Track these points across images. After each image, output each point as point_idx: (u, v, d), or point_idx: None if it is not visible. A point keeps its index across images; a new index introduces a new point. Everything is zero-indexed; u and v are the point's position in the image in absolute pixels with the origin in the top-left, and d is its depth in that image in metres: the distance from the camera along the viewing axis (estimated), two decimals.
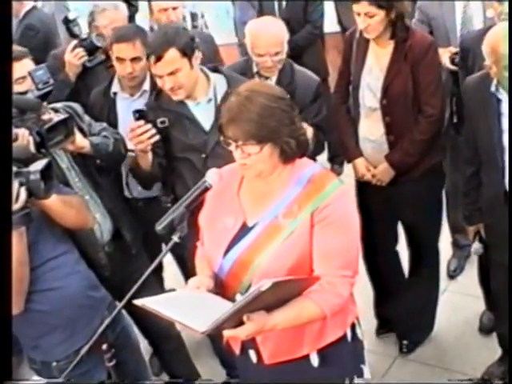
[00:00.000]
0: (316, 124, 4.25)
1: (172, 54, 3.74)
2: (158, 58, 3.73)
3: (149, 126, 3.73)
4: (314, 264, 2.91)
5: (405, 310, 4.64)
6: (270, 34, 4.28)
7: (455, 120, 4.71)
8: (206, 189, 3.00)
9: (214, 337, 4.34)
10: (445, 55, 4.85)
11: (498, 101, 3.72)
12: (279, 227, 2.95)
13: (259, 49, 4.28)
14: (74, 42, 5.00)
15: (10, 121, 3.16)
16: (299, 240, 2.91)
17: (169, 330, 4.44)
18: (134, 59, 4.49)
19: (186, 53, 3.79)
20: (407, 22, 4.31)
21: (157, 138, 3.80)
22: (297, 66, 4.55)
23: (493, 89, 3.71)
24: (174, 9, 5.39)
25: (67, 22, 6.62)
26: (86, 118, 4.08)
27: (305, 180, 2.97)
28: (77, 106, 4.07)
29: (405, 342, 4.90)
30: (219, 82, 3.99)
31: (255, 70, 4.46)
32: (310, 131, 3.85)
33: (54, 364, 3.44)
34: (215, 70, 4.08)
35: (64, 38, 9.21)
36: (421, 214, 4.54)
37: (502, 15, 4.30)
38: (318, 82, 4.53)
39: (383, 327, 5.12)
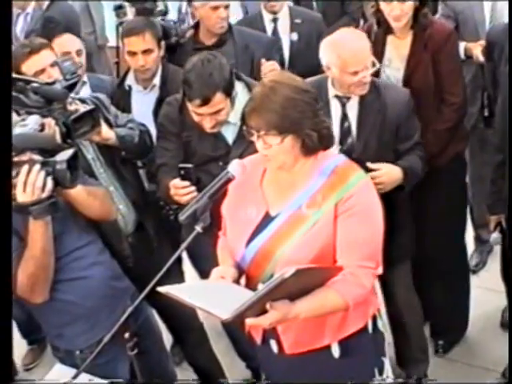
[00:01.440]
0: (418, 142, 3.95)
1: (219, 97, 3.70)
2: (205, 102, 3.69)
3: (192, 188, 3.66)
4: (337, 255, 2.92)
5: (438, 308, 4.60)
6: (359, 46, 3.71)
7: (486, 113, 4.67)
8: (229, 180, 3.00)
9: (233, 330, 4.45)
10: (476, 49, 4.84)
11: None
12: (302, 217, 2.96)
13: (353, 66, 3.66)
14: None
15: (10, 121, 3.17)
16: (323, 230, 2.92)
17: (192, 322, 4.48)
18: (146, 51, 4.55)
19: (230, 92, 3.77)
20: (426, 10, 4.28)
21: (195, 194, 3.64)
22: (380, 80, 4.04)
23: None
24: None
25: (117, 8, 6.84)
26: (113, 109, 4.11)
27: (329, 171, 2.98)
28: (103, 97, 4.10)
29: (440, 342, 4.88)
30: (241, 91, 3.93)
31: (333, 93, 3.87)
32: (416, 160, 3.83)
33: (78, 353, 3.47)
34: (237, 77, 4.00)
35: (85, 30, 9.35)
36: (445, 203, 4.45)
37: None
38: (408, 94, 3.96)
39: None
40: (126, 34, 4.64)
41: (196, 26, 5.11)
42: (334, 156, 3.09)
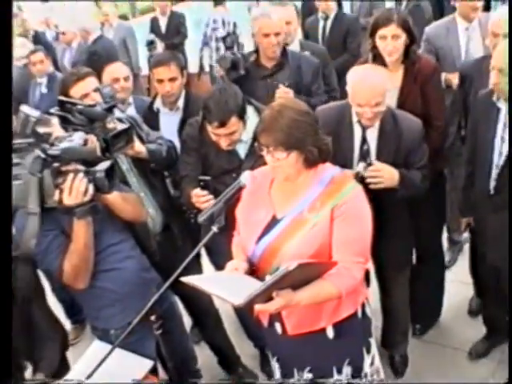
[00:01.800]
0: (423, 166, 3.83)
1: (233, 120, 3.70)
2: (222, 125, 3.69)
3: (210, 196, 3.63)
4: (333, 251, 2.95)
5: (417, 297, 4.55)
6: (370, 85, 3.56)
7: (463, 133, 4.62)
8: (241, 188, 3.03)
9: (243, 315, 4.45)
10: (454, 79, 4.84)
11: (498, 110, 3.70)
12: (304, 220, 2.98)
13: (359, 99, 3.59)
14: None
15: (10, 122, 3.16)
16: (321, 231, 2.94)
17: (209, 308, 4.50)
18: (171, 79, 4.52)
19: (243, 116, 3.77)
20: (415, 47, 4.27)
21: (213, 201, 3.51)
22: (397, 111, 3.87)
23: (494, 99, 3.70)
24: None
25: (149, 43, 6.74)
26: (145, 127, 4.12)
27: (326, 181, 3.01)
28: (137, 117, 4.14)
29: (417, 326, 4.84)
30: (251, 114, 3.91)
31: (355, 118, 3.74)
32: (417, 176, 3.77)
33: (112, 332, 3.45)
34: (248, 102, 3.97)
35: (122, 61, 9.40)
36: (427, 211, 4.38)
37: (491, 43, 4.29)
38: (421, 124, 3.81)
39: None
40: (154, 65, 4.64)
41: (257, 51, 5.04)
42: (331, 168, 3.09)
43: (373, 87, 3.54)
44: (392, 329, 4.50)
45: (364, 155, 3.72)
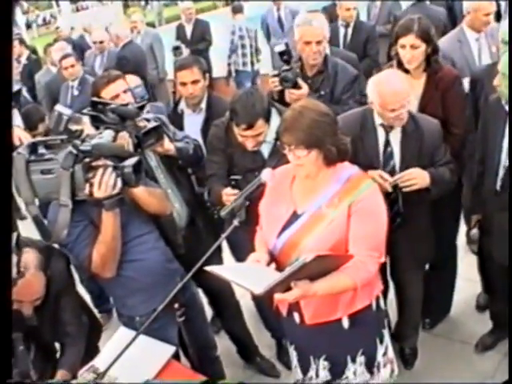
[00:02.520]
0: (449, 161, 3.80)
1: (260, 123, 3.68)
2: (249, 127, 3.67)
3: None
4: (349, 246, 2.95)
5: (429, 295, 4.49)
6: (398, 88, 3.52)
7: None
8: (261, 184, 3.07)
9: (261, 307, 4.45)
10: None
11: (506, 113, 3.69)
12: (323, 216, 2.99)
13: (391, 104, 3.52)
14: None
15: (10, 122, 3.17)
16: (338, 226, 2.95)
17: (229, 299, 4.50)
18: (194, 82, 4.51)
19: (268, 118, 3.76)
20: (437, 57, 4.22)
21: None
22: (416, 113, 3.85)
23: (503, 102, 3.69)
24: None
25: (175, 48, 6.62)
26: (171, 127, 4.12)
27: (344, 179, 3.02)
28: (163, 117, 4.12)
29: (427, 320, 4.78)
30: (273, 116, 3.85)
31: (379, 121, 3.70)
32: (446, 172, 3.74)
33: (137, 319, 3.46)
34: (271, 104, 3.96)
35: (149, 66, 9.46)
36: (446, 213, 4.30)
37: (501, 50, 4.30)
38: (439, 123, 3.79)
39: None
40: (178, 69, 4.64)
41: (300, 59, 4.84)
42: (349, 167, 3.09)
43: (402, 90, 3.53)
44: (404, 323, 4.46)
45: (388, 157, 3.70)
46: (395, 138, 3.70)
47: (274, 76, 4.54)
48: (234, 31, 10.00)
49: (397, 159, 3.70)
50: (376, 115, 3.69)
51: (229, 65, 10.22)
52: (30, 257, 3.21)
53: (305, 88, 4.47)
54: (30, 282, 3.17)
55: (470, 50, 5.23)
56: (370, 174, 3.44)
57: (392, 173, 3.63)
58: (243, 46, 10.05)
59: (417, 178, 3.57)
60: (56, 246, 3.40)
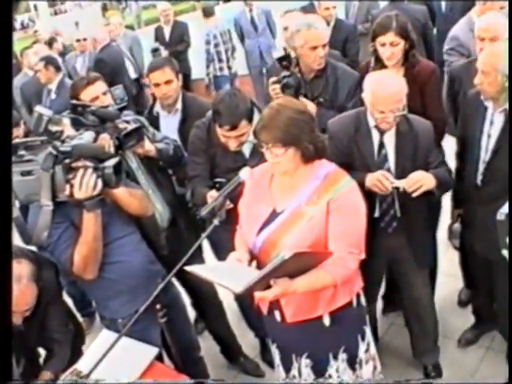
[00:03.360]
0: (443, 162, 3.79)
1: (243, 123, 3.71)
2: (233, 128, 3.70)
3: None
4: (329, 243, 2.97)
5: None
6: (392, 92, 3.47)
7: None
8: (240, 183, 3.08)
9: (244, 306, 4.47)
10: None
11: (485, 108, 3.72)
12: (302, 213, 3.00)
13: (381, 106, 3.49)
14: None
15: (10, 122, 3.17)
16: (317, 223, 2.97)
17: (213, 300, 4.51)
18: (167, 82, 4.51)
19: (251, 119, 3.77)
20: (414, 51, 4.26)
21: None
22: (409, 114, 3.71)
23: (482, 98, 3.70)
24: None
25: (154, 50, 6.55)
26: (151, 128, 4.14)
27: (322, 176, 3.03)
28: (143, 119, 4.15)
29: None
30: (255, 115, 3.85)
31: (372, 123, 3.64)
32: (445, 172, 3.72)
33: (120, 321, 3.46)
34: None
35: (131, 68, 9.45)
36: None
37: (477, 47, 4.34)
38: (431, 125, 3.75)
39: (388, 307, 4.99)
40: (150, 70, 4.63)
41: (297, 63, 4.58)
42: (326, 164, 3.11)
43: (393, 94, 3.49)
44: (418, 336, 4.33)
45: (382, 160, 3.69)
46: (390, 140, 3.68)
47: (275, 83, 4.35)
48: (208, 40, 9.95)
49: (391, 161, 3.69)
50: (369, 117, 3.65)
51: (207, 74, 10.24)
52: (23, 268, 3.18)
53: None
54: (23, 292, 3.15)
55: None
56: (374, 176, 3.50)
57: None
58: (218, 53, 10.05)
59: (422, 180, 3.52)
60: (46, 255, 3.39)
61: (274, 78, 4.39)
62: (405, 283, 4.14)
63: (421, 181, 3.51)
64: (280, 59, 4.42)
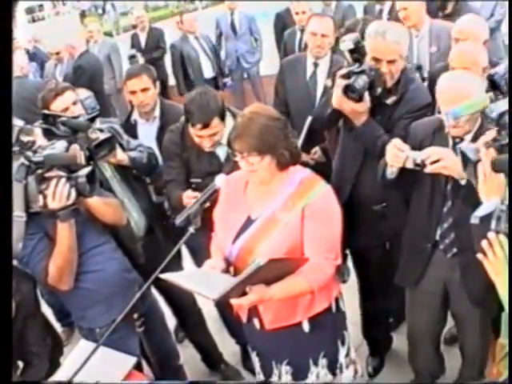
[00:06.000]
0: None
1: (216, 121, 3.71)
2: (205, 126, 3.71)
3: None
4: (305, 249, 2.96)
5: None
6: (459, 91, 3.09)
7: None
8: (215, 190, 3.06)
9: (225, 314, 4.45)
10: None
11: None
12: (276, 220, 3.00)
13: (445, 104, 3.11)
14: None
15: (10, 126, 3.16)
16: (293, 230, 2.96)
17: (192, 307, 4.50)
18: (144, 90, 4.52)
19: (223, 117, 3.79)
20: None
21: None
22: None
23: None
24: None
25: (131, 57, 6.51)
26: (125, 136, 4.13)
27: (297, 181, 3.03)
28: (118, 127, 4.13)
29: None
30: (228, 119, 3.88)
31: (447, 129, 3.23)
32: None
33: (97, 330, 3.45)
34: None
35: (107, 76, 9.39)
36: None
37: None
38: None
39: None
40: (127, 78, 4.65)
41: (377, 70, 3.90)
42: (301, 169, 3.11)
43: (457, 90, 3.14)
44: (468, 369, 3.94)
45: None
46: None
47: (343, 77, 3.65)
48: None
49: None
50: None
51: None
52: None
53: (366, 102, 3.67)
54: None
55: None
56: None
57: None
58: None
59: (441, 155, 3.07)
60: (24, 269, 3.35)
61: (343, 71, 3.70)
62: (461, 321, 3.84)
63: (439, 155, 3.07)
64: (351, 51, 3.82)
